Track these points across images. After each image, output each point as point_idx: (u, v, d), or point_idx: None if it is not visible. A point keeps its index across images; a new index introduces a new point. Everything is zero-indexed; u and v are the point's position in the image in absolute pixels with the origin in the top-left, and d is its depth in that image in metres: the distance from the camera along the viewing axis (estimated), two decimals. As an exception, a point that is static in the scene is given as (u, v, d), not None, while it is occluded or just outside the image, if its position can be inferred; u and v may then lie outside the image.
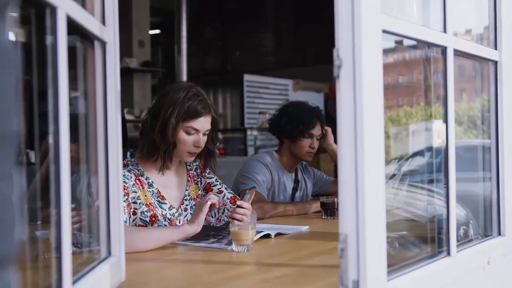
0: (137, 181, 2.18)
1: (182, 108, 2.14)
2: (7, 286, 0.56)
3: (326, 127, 3.05)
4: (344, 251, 1.16)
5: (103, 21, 1.32)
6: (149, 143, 2.19)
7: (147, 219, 2.16)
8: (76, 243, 1.29)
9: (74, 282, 1.07)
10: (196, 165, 2.41)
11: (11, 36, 0.58)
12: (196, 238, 2.01)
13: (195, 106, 2.16)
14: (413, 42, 1.54)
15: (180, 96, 2.15)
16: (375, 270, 1.17)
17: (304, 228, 2.34)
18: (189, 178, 2.37)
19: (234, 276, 1.61)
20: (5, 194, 0.53)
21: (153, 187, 2.23)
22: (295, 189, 3.09)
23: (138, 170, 2.22)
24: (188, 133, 2.18)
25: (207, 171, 2.41)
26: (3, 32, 0.56)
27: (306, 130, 2.95)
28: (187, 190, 2.34)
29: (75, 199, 1.09)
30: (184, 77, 8.88)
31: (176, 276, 1.64)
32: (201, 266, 1.72)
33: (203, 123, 2.20)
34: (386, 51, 1.24)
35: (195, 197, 2.36)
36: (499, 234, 1.79)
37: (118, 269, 1.37)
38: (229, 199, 2.34)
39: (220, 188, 2.38)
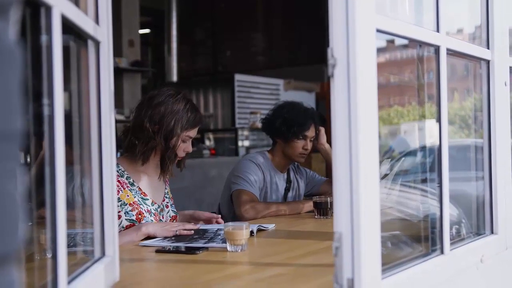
0: (117, 182, 2.19)
1: (184, 119, 2.24)
2: (11, 283, 0.56)
3: (320, 127, 3.05)
4: (339, 250, 1.16)
5: (96, 20, 1.32)
6: (151, 149, 2.24)
7: (133, 217, 2.19)
8: (69, 243, 1.28)
9: (69, 282, 1.07)
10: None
11: (14, 36, 0.58)
12: (190, 240, 2.01)
13: (195, 117, 2.28)
14: (404, 42, 1.55)
15: (180, 107, 2.25)
16: (370, 268, 1.17)
17: (271, 226, 2.33)
18: (166, 179, 2.45)
19: (229, 275, 1.60)
20: (10, 192, 0.53)
21: (134, 185, 2.27)
22: (287, 189, 3.09)
23: (117, 171, 2.23)
24: (183, 141, 2.28)
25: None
26: (6, 31, 0.56)
27: (300, 132, 2.93)
28: (166, 188, 2.43)
29: (67, 199, 1.08)
30: (174, 77, 8.86)
31: (170, 276, 1.64)
32: (195, 266, 1.72)
33: (196, 131, 2.33)
34: (377, 50, 1.24)
35: (171, 197, 2.46)
36: (492, 232, 1.80)
37: (112, 269, 1.37)
38: (170, 217, 2.41)
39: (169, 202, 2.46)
